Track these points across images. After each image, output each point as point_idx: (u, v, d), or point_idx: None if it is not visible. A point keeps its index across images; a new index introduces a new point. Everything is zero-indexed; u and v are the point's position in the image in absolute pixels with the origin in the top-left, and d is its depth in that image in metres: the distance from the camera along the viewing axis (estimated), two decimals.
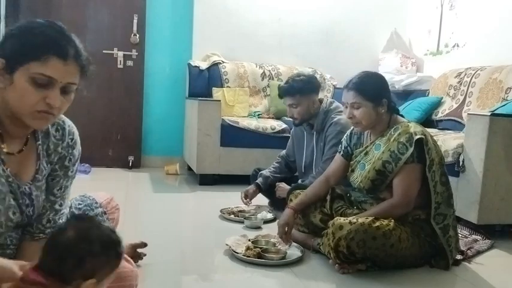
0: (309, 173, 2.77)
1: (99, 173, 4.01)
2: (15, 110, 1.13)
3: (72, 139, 1.36)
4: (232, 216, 2.72)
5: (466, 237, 2.47)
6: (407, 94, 4.27)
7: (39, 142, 1.28)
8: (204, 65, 4.27)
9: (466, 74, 3.64)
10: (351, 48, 4.73)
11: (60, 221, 1.36)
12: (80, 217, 1.12)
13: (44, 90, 1.10)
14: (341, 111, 2.74)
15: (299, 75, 2.79)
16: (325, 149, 2.67)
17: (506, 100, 3.09)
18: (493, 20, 3.76)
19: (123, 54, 4.27)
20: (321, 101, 2.77)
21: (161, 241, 2.19)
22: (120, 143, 4.33)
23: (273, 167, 2.98)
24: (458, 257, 2.14)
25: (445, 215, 1.99)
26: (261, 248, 2.06)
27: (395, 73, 4.48)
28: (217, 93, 4.16)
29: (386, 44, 4.71)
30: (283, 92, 2.74)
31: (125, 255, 1.40)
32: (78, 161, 1.41)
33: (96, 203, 1.72)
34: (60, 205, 1.36)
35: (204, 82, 4.23)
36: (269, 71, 4.39)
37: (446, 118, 3.63)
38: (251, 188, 2.91)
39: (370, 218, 1.87)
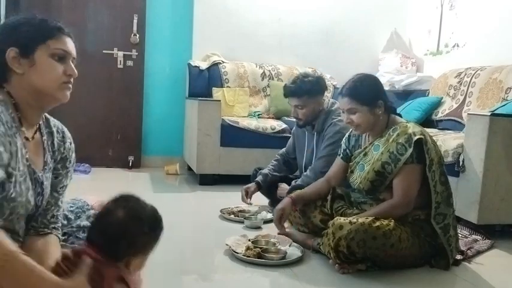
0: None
1: (99, 173, 4.01)
2: (41, 89, 1.24)
3: (70, 143, 1.45)
4: (232, 216, 2.72)
5: (466, 237, 2.47)
6: (407, 94, 4.27)
7: (45, 137, 1.36)
8: (204, 65, 4.27)
9: (466, 74, 3.64)
10: (351, 48, 4.73)
11: (60, 217, 1.41)
12: (126, 197, 1.12)
13: (62, 63, 1.27)
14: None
15: (307, 75, 2.74)
16: (321, 147, 2.67)
17: (506, 100, 3.09)
18: (493, 20, 3.76)
19: (123, 54, 4.27)
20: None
21: (161, 241, 2.18)
22: (120, 143, 4.33)
23: (272, 165, 2.98)
24: (458, 257, 2.14)
25: (445, 215, 1.99)
26: (261, 248, 2.06)
27: (395, 73, 4.48)
28: (217, 93, 4.16)
29: (386, 44, 4.71)
30: (289, 92, 2.71)
31: None
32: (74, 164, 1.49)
33: (88, 205, 1.75)
34: (61, 202, 1.42)
35: (204, 82, 4.23)
36: (269, 71, 4.39)
37: (446, 118, 3.63)
38: (251, 185, 2.90)
39: (370, 218, 1.87)
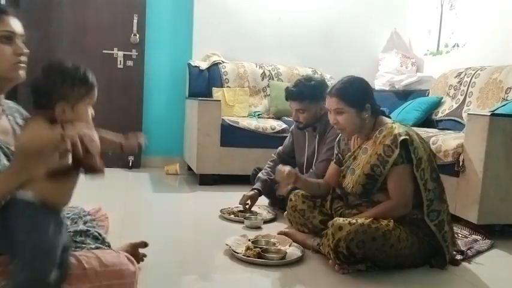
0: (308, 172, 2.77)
1: None
2: None
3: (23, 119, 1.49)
4: (232, 216, 2.72)
5: (466, 237, 2.47)
6: (407, 94, 4.27)
7: (10, 117, 1.41)
8: (204, 65, 4.27)
9: (466, 74, 3.64)
10: (351, 48, 4.73)
11: None
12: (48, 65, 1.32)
13: (11, 45, 1.30)
14: None
15: (310, 79, 2.72)
16: (322, 150, 2.66)
17: (506, 100, 3.09)
18: (493, 20, 3.76)
19: (123, 54, 4.27)
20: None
21: (161, 241, 2.19)
22: None
23: (269, 167, 2.94)
24: (458, 257, 2.14)
25: (439, 211, 1.99)
26: (261, 248, 2.06)
27: (395, 73, 4.48)
28: (217, 93, 4.16)
29: (386, 44, 4.71)
30: (291, 96, 2.69)
31: (126, 254, 1.41)
32: None
33: (84, 211, 1.77)
34: None
35: (204, 82, 4.23)
36: (269, 71, 4.39)
37: (446, 118, 3.63)
38: (253, 194, 2.82)
39: (370, 219, 1.87)
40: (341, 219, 1.92)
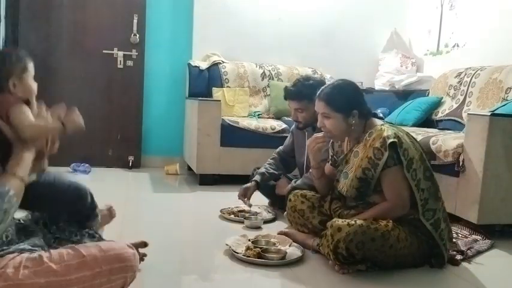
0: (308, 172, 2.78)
1: (99, 173, 4.01)
2: None
3: None
4: (232, 216, 2.72)
5: (466, 237, 2.47)
6: (407, 94, 4.27)
7: None
8: (204, 65, 4.27)
9: (466, 74, 3.64)
10: (351, 48, 4.73)
11: None
12: None
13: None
14: None
15: (308, 79, 2.71)
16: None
17: (506, 100, 3.09)
18: (493, 20, 3.76)
19: (123, 54, 4.27)
20: None
21: (161, 241, 2.19)
22: (120, 143, 4.33)
23: (268, 164, 2.95)
24: (458, 257, 2.14)
25: (435, 210, 1.98)
26: (261, 248, 2.06)
27: (395, 73, 4.48)
28: (217, 93, 4.16)
29: (386, 44, 4.71)
30: (290, 96, 2.69)
31: (128, 243, 1.41)
32: None
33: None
34: None
35: (204, 82, 4.23)
36: (269, 71, 4.39)
37: (446, 118, 3.63)
38: (250, 185, 2.84)
39: (369, 220, 1.87)
40: (340, 220, 1.91)
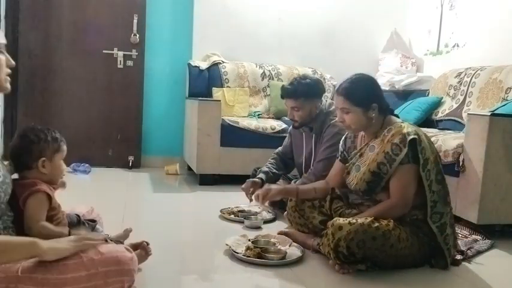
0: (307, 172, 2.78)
1: (99, 173, 4.01)
2: None
3: None
4: (232, 216, 2.72)
5: (466, 237, 2.47)
6: (407, 94, 4.27)
7: None
8: (204, 65, 4.27)
9: (466, 74, 3.64)
10: (351, 48, 4.73)
11: None
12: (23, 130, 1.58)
13: (3, 56, 1.36)
14: None
15: (305, 77, 2.73)
16: (320, 150, 2.66)
17: (506, 100, 3.09)
18: (493, 20, 3.76)
19: (123, 54, 4.27)
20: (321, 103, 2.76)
21: (161, 241, 2.19)
22: (120, 143, 4.33)
23: (270, 164, 2.96)
24: (458, 257, 2.14)
25: (442, 214, 1.98)
26: (261, 248, 2.06)
27: (395, 73, 4.48)
28: (217, 93, 4.16)
29: (386, 44, 4.71)
30: (286, 94, 2.70)
31: (124, 245, 1.41)
32: None
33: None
34: None
35: (204, 82, 4.23)
36: (269, 71, 4.39)
37: (446, 118, 3.63)
38: (257, 181, 2.79)
39: (370, 219, 1.87)
40: (341, 219, 1.91)
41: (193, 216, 3.00)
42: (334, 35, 4.71)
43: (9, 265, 1.23)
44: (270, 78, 4.38)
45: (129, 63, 4.30)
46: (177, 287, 1.85)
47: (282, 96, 2.74)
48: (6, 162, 1.50)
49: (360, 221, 1.85)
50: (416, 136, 1.94)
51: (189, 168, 4.15)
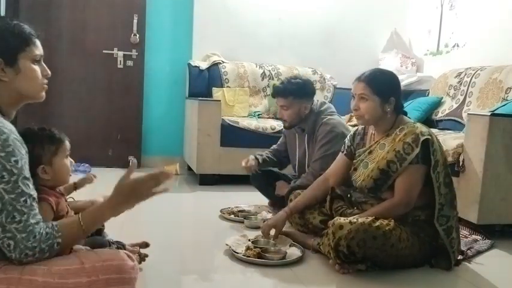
0: (302, 173, 2.79)
1: (99, 173, 3.95)
2: (27, 93, 1.35)
3: None
4: (232, 216, 2.72)
5: (466, 237, 2.47)
6: (407, 94, 4.26)
7: None
8: (204, 65, 4.27)
9: (466, 74, 3.64)
10: (351, 48, 4.73)
11: None
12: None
13: (39, 66, 1.37)
14: (332, 112, 2.75)
15: (296, 77, 2.77)
16: (315, 149, 2.66)
17: (506, 100, 3.09)
18: (493, 20, 3.76)
19: (123, 54, 4.27)
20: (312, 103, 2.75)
21: (161, 241, 2.19)
22: (120, 143, 4.33)
23: (266, 152, 3.00)
24: (459, 257, 2.14)
25: (448, 217, 1.98)
26: (261, 248, 2.06)
27: (395, 73, 4.47)
28: (217, 93, 4.16)
29: (386, 44, 4.71)
30: (276, 92, 2.74)
31: (125, 251, 1.41)
32: None
33: None
34: None
35: (204, 82, 4.23)
36: (269, 71, 4.39)
37: (446, 118, 3.63)
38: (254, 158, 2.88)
39: (370, 218, 1.87)
40: (342, 218, 1.91)
41: (193, 216, 3.00)
42: (334, 35, 4.71)
43: (10, 266, 1.23)
44: (270, 78, 4.38)
45: (129, 63, 4.30)
46: (177, 287, 1.85)
47: (273, 95, 2.80)
48: None
49: (360, 220, 1.85)
50: (429, 137, 1.94)
51: (189, 168, 4.15)
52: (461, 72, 3.70)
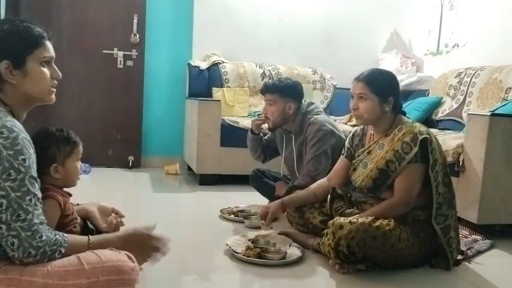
0: (291, 174, 2.82)
1: (99, 173, 4.01)
2: (35, 95, 1.37)
3: None
4: (232, 216, 2.72)
5: (466, 237, 2.47)
6: (407, 94, 4.27)
7: None
8: (204, 65, 4.27)
9: (466, 74, 3.64)
10: (351, 48, 4.73)
11: None
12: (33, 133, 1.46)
13: (49, 68, 1.38)
14: (319, 112, 2.74)
15: (287, 78, 2.83)
16: (306, 150, 2.66)
17: (506, 100, 3.09)
18: (493, 20, 3.76)
19: (123, 54, 4.27)
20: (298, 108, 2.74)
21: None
22: (120, 143, 4.33)
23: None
24: (459, 257, 2.14)
25: (447, 216, 1.98)
26: (261, 248, 2.06)
27: (395, 73, 4.46)
28: (217, 93, 4.16)
29: (386, 44, 4.71)
30: (264, 88, 2.76)
31: (126, 252, 1.41)
32: None
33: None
34: None
35: (204, 82, 4.23)
36: (269, 71, 4.39)
37: (446, 118, 3.63)
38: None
39: (370, 218, 1.87)
40: (342, 218, 1.92)
41: (193, 216, 3.00)
42: (334, 35, 4.71)
43: (11, 267, 1.23)
44: (270, 78, 4.37)
45: (129, 63, 4.30)
46: (177, 287, 1.85)
47: (261, 91, 2.81)
48: None
49: (360, 220, 1.85)
50: (428, 136, 1.94)
51: (189, 168, 4.15)
52: (461, 72, 3.70)
